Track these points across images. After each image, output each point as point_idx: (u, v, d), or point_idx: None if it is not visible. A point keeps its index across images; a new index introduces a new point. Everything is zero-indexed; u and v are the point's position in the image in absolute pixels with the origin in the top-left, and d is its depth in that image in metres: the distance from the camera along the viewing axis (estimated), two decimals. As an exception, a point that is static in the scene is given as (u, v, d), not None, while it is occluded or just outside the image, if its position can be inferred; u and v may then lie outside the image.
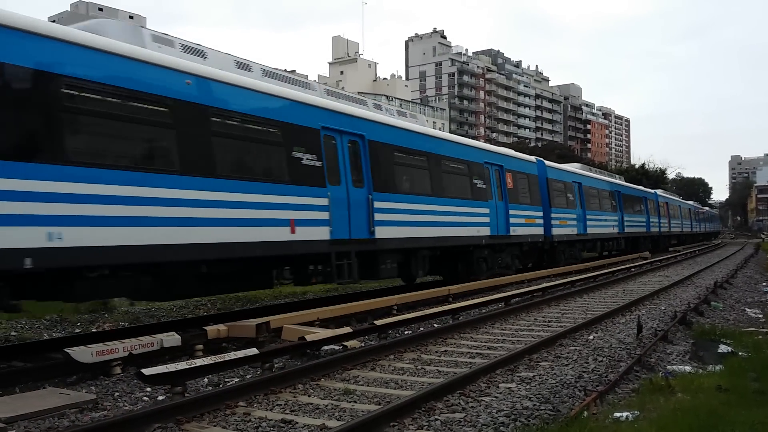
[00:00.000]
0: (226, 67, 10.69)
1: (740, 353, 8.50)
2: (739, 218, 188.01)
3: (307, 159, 11.57)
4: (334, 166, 12.30)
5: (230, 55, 11.28)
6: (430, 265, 16.44)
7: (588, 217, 27.01)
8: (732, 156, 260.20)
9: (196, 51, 10.42)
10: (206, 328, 9.78)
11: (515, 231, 19.87)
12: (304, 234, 11.27)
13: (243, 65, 11.27)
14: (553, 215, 23.11)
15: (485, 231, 18.05)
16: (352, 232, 12.52)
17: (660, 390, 6.40)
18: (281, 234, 10.84)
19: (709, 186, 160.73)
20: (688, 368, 7.90)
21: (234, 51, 10.82)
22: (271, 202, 10.71)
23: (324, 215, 11.78)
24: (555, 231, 23.18)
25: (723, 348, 8.93)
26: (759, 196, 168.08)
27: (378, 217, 13.16)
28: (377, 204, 13.15)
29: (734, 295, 16.79)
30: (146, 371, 6.60)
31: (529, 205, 21.26)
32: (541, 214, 22.03)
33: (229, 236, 9.83)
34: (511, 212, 19.69)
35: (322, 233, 11.74)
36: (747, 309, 14.40)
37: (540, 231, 21.97)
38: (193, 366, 7.14)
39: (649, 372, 7.68)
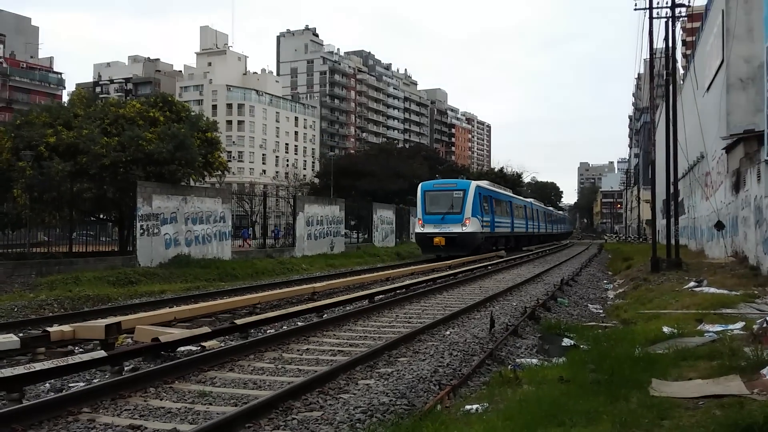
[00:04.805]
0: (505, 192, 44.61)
1: (582, 346, 9.11)
2: (585, 220, 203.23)
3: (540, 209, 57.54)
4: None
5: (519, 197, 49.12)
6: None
7: None
8: (581, 163, 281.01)
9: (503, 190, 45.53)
10: (49, 329, 9.11)
11: None
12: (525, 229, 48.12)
13: (517, 196, 50.91)
14: None
15: None
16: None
17: (508, 382, 6.71)
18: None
19: (561, 190, 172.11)
20: (534, 361, 8.37)
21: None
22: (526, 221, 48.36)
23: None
24: None
25: (566, 341, 9.57)
26: (603, 200, 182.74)
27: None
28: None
29: (579, 291, 18.08)
30: (-24, 378, 6.03)
31: None
32: None
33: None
34: None
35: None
36: (589, 305, 15.56)
37: None
38: (31, 370, 6.64)
39: (500, 365, 8.07)
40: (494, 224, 36.21)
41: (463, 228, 31.35)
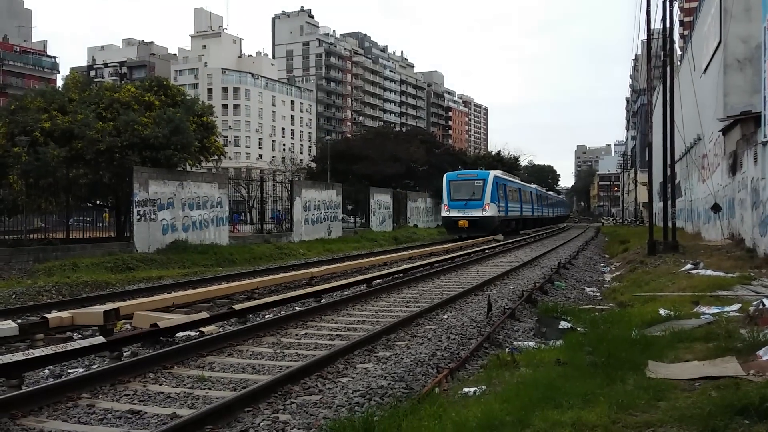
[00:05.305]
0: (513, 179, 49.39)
1: (578, 329, 9.15)
2: (582, 203, 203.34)
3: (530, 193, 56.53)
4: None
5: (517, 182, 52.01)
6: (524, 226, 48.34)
7: None
8: (578, 145, 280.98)
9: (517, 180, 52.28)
10: (47, 315, 9.11)
11: None
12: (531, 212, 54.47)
13: (524, 183, 55.80)
14: None
15: None
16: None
17: (506, 365, 6.74)
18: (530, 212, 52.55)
19: (558, 173, 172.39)
20: (532, 344, 8.41)
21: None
22: (531, 206, 54.19)
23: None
24: None
25: (563, 324, 9.61)
26: (600, 183, 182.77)
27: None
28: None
29: (576, 275, 18.12)
30: (-25, 365, 6.04)
31: None
32: None
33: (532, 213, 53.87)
34: None
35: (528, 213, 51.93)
36: (586, 288, 15.61)
37: None
38: (30, 357, 6.64)
39: (497, 348, 8.10)
40: (508, 209, 41.23)
41: (483, 212, 36.90)
